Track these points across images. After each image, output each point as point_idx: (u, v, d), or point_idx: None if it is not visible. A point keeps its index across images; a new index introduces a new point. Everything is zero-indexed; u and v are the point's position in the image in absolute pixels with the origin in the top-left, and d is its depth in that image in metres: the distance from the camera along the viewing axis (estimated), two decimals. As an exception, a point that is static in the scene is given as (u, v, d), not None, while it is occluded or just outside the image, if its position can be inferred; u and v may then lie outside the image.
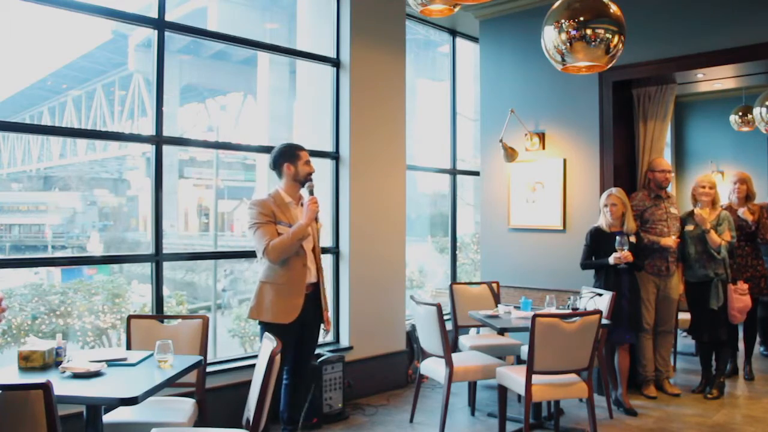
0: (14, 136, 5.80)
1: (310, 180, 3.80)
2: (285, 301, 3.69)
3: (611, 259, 4.58)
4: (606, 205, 4.73)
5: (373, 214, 5.35)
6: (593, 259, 4.75)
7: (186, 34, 4.59)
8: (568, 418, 4.55)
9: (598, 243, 4.73)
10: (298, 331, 3.77)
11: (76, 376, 2.69)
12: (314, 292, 3.85)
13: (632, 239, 4.67)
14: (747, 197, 5.44)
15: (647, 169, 5.20)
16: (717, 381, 5.03)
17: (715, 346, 5.06)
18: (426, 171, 6.83)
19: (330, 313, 4.07)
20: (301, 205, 3.80)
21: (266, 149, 5.33)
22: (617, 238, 4.56)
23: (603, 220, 4.78)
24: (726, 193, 5.60)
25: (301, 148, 3.88)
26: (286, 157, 3.82)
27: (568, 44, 3.07)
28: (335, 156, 5.27)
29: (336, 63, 5.27)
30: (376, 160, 5.39)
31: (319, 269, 3.89)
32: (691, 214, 5.03)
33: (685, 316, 5.65)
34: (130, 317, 3.57)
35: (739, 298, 4.98)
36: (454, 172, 6.84)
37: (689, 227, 5.02)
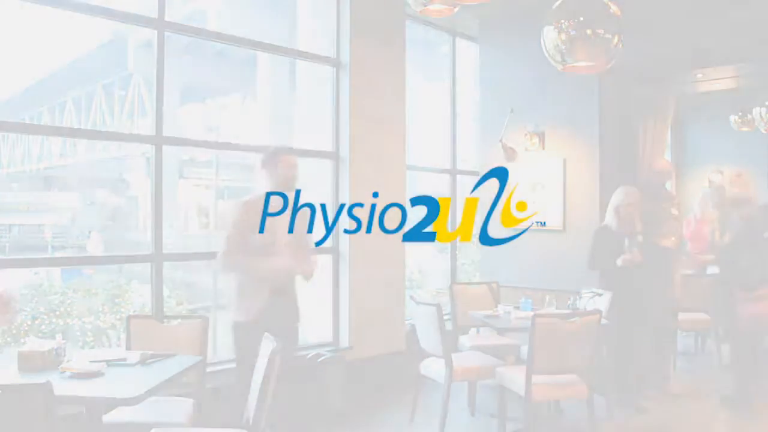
0: (14, 136, 5.80)
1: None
2: None
3: (619, 261, 4.50)
4: (626, 205, 4.60)
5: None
6: (599, 259, 4.68)
7: (186, 35, 4.60)
8: (568, 418, 4.55)
9: (605, 242, 4.64)
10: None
11: (76, 376, 2.69)
12: None
13: (639, 239, 4.63)
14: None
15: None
16: None
17: None
18: (426, 171, 6.82)
19: None
20: None
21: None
22: (626, 240, 4.50)
23: (614, 220, 4.64)
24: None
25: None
26: None
27: (568, 44, 3.07)
28: (335, 156, 5.27)
29: (336, 63, 5.27)
30: (376, 160, 5.39)
31: None
32: None
33: (684, 317, 5.65)
34: (129, 317, 3.58)
35: None
36: (454, 172, 6.83)
37: None
